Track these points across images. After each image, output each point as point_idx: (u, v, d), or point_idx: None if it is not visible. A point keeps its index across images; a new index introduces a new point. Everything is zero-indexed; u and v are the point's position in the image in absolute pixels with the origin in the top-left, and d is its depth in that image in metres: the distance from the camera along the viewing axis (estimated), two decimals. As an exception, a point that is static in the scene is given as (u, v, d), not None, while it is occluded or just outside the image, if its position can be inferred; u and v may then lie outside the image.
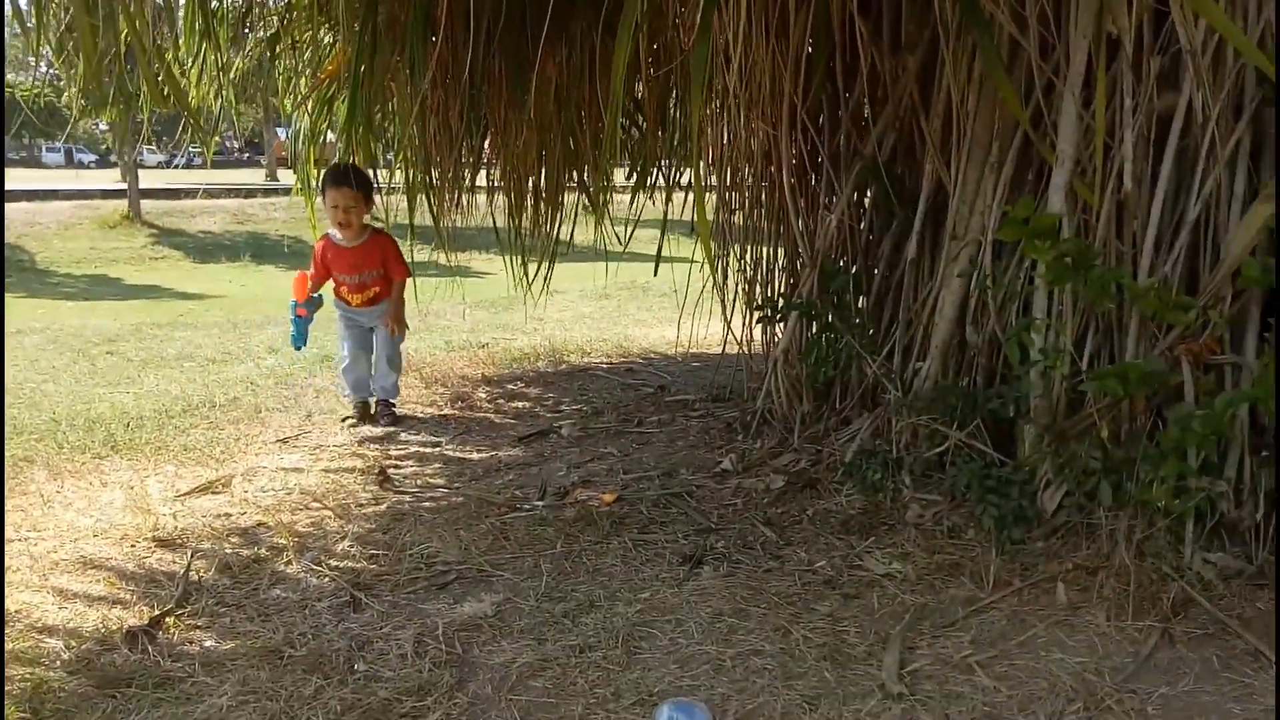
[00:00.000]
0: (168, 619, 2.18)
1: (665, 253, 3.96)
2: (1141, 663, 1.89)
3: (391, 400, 3.94)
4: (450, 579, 2.39)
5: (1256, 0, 2.04)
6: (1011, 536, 2.32)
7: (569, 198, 4.86)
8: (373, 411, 3.90)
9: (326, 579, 2.40)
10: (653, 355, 5.27)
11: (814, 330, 3.09)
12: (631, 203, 4.57)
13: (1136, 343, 2.27)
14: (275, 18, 4.65)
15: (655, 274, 4.19)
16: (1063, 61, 2.32)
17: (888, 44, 2.97)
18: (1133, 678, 1.85)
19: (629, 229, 4.35)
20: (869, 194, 3.10)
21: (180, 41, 4.06)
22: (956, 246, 2.63)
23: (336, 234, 3.85)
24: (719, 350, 3.95)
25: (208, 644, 2.08)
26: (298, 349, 4.00)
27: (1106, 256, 2.32)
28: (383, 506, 2.92)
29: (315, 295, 3.86)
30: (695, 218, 2.57)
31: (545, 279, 4.74)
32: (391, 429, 3.76)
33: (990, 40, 2.34)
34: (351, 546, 2.60)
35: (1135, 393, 2.10)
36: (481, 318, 6.87)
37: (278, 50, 4.85)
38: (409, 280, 3.95)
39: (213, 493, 3.08)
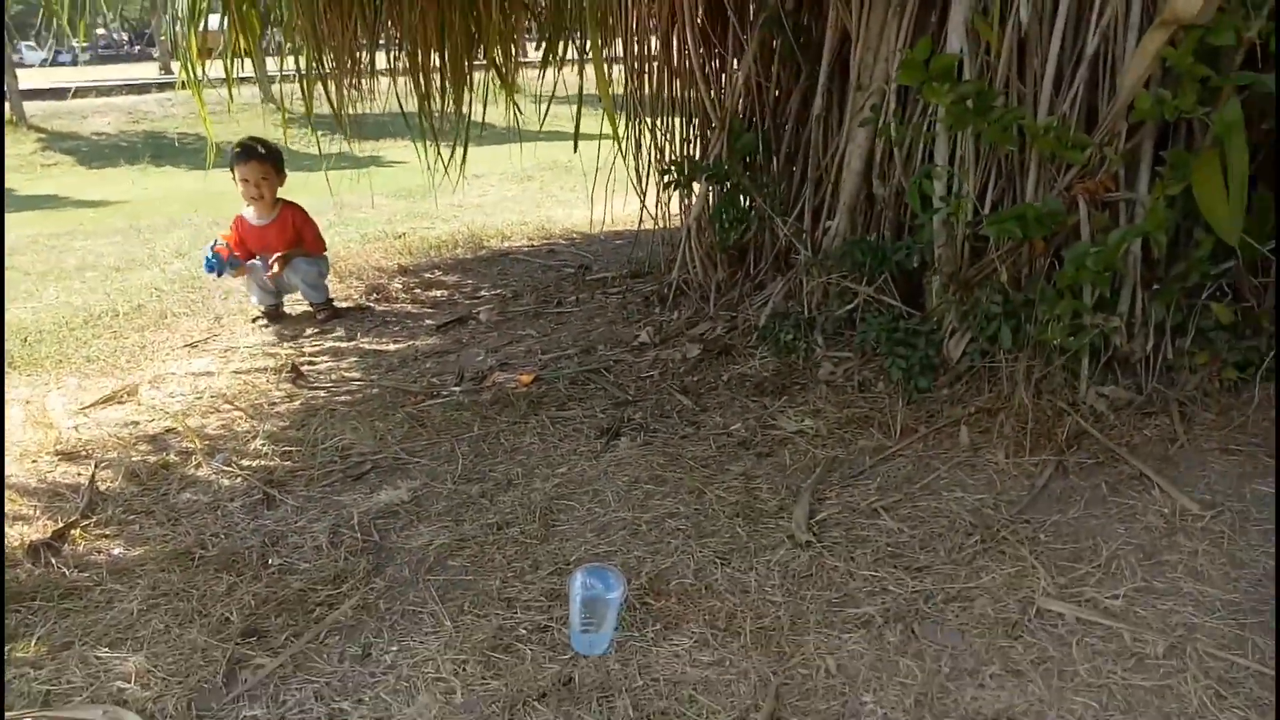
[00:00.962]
0: (73, 531, 2.13)
1: (584, 129, 3.81)
2: (1036, 494, 1.97)
3: (328, 299, 3.86)
4: (366, 469, 2.37)
5: None
6: (918, 386, 2.37)
7: (478, 76, 4.61)
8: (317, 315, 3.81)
9: (238, 479, 2.35)
10: (575, 235, 5.17)
11: (724, 193, 3.03)
12: (541, 77, 4.36)
13: (1036, 185, 2.27)
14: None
15: (575, 150, 4.05)
16: (960, -109, 2.21)
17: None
18: (1027, 508, 1.93)
19: (544, 106, 4.17)
20: (776, 48, 2.99)
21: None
22: (861, 97, 2.57)
23: (249, 212, 3.76)
24: (639, 225, 3.88)
25: (115, 552, 2.04)
26: (209, 271, 3.81)
27: (1008, 97, 2.28)
28: (296, 404, 2.86)
29: (235, 256, 3.72)
30: (597, 88, 2.46)
31: (460, 164, 4.56)
32: (329, 323, 3.69)
33: None
34: (264, 445, 2.55)
35: (1034, 234, 2.11)
36: (399, 207, 6.64)
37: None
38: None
39: (118, 402, 2.97)
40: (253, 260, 3.76)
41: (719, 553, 1.88)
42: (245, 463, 2.45)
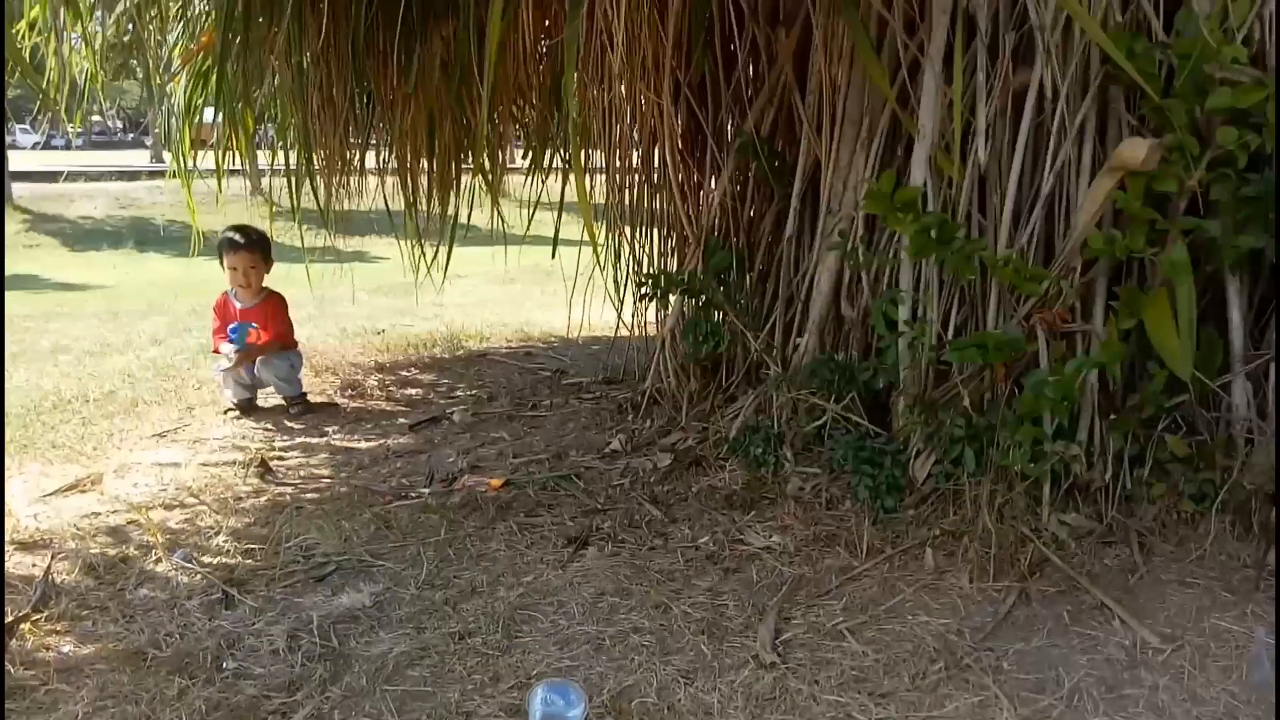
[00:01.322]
0: (22, 625, 2.07)
1: (565, 235, 3.92)
2: (1000, 621, 1.98)
3: (301, 393, 3.86)
4: (329, 571, 2.34)
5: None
6: (884, 505, 2.39)
7: (465, 179, 4.77)
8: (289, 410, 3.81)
9: (198, 576, 2.31)
10: (553, 339, 5.24)
11: (698, 308, 3.11)
12: (527, 183, 4.51)
13: (997, 313, 2.36)
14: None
15: (553, 257, 4.15)
16: (925, 39, 2.38)
17: (767, 19, 2.99)
18: (991, 636, 1.93)
19: (528, 211, 4.30)
20: (751, 171, 3.13)
21: (30, 8, 3.80)
22: (831, 221, 2.69)
23: (236, 294, 3.84)
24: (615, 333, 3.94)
25: (65, 649, 1.99)
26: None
27: (969, 229, 2.40)
28: (263, 499, 2.83)
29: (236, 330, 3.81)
30: (577, 199, 2.56)
31: (441, 263, 4.65)
32: (303, 419, 3.69)
33: (857, 16, 2.38)
34: (226, 542, 2.51)
35: (994, 361, 2.19)
36: (380, 304, 6.71)
37: (147, 20, 4.59)
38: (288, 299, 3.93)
39: (80, 491, 2.93)
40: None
41: (683, 671, 1.86)
42: (206, 559, 2.41)
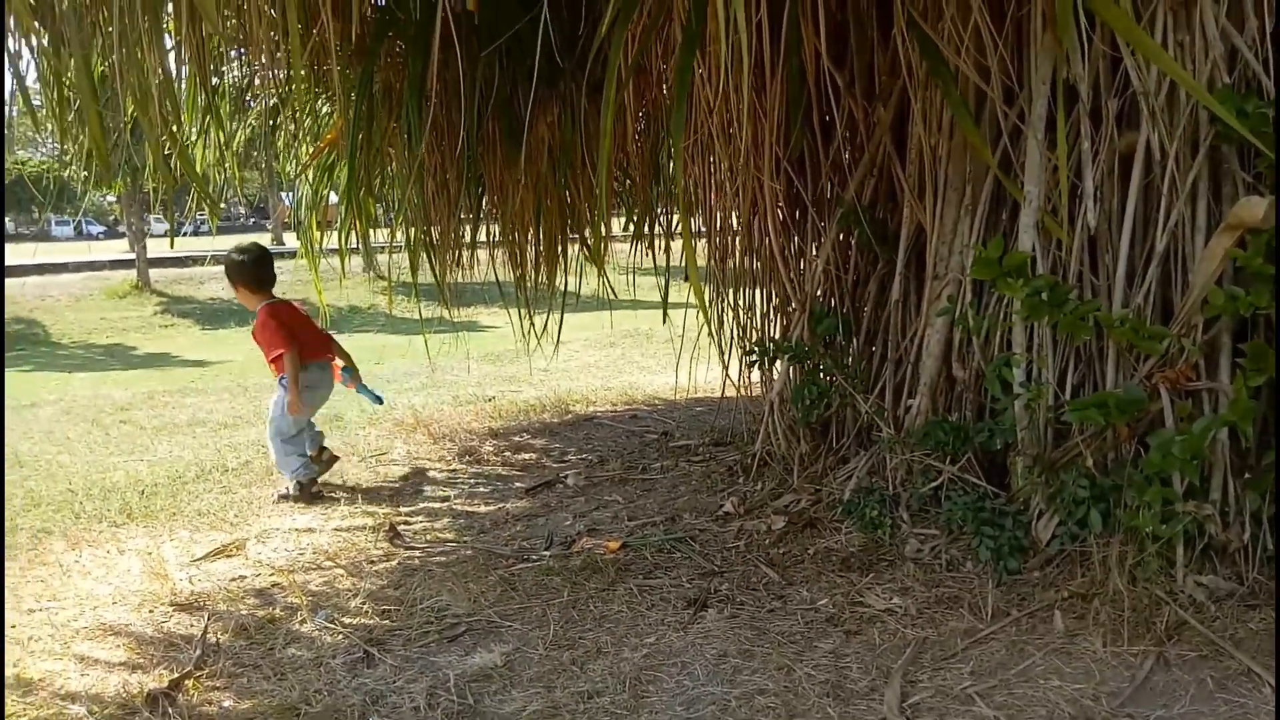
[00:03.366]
0: (187, 681, 2.23)
1: (669, 299, 4.05)
2: (1138, 687, 1.93)
3: (288, 478, 3.73)
4: (461, 631, 2.45)
5: (1204, 44, 2.14)
6: (1008, 567, 2.37)
7: (570, 249, 4.98)
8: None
9: (340, 636, 2.45)
10: (657, 401, 5.35)
11: (806, 372, 3.17)
12: (631, 251, 4.69)
13: (1116, 371, 2.34)
14: (275, 90, 4.83)
15: (664, 321, 4.25)
16: (1025, 107, 2.43)
17: (863, 93, 3.09)
18: (1129, 701, 1.89)
19: (630, 278, 4.47)
20: (853, 238, 3.20)
21: (183, 116, 4.22)
22: (938, 286, 2.72)
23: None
24: (721, 394, 4.02)
25: (226, 704, 2.14)
26: (379, 403, 4.10)
27: (1081, 290, 2.40)
28: (393, 562, 2.98)
29: (342, 368, 3.93)
30: (686, 266, 2.67)
31: (549, 331, 4.84)
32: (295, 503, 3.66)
33: (954, 90, 2.45)
34: (364, 603, 2.65)
35: (1116, 421, 2.17)
36: (489, 371, 6.97)
37: (278, 121, 5.03)
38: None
39: (227, 556, 3.14)
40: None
41: (811, 733, 1.87)
42: (347, 620, 2.55)
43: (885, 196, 3.16)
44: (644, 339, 8.18)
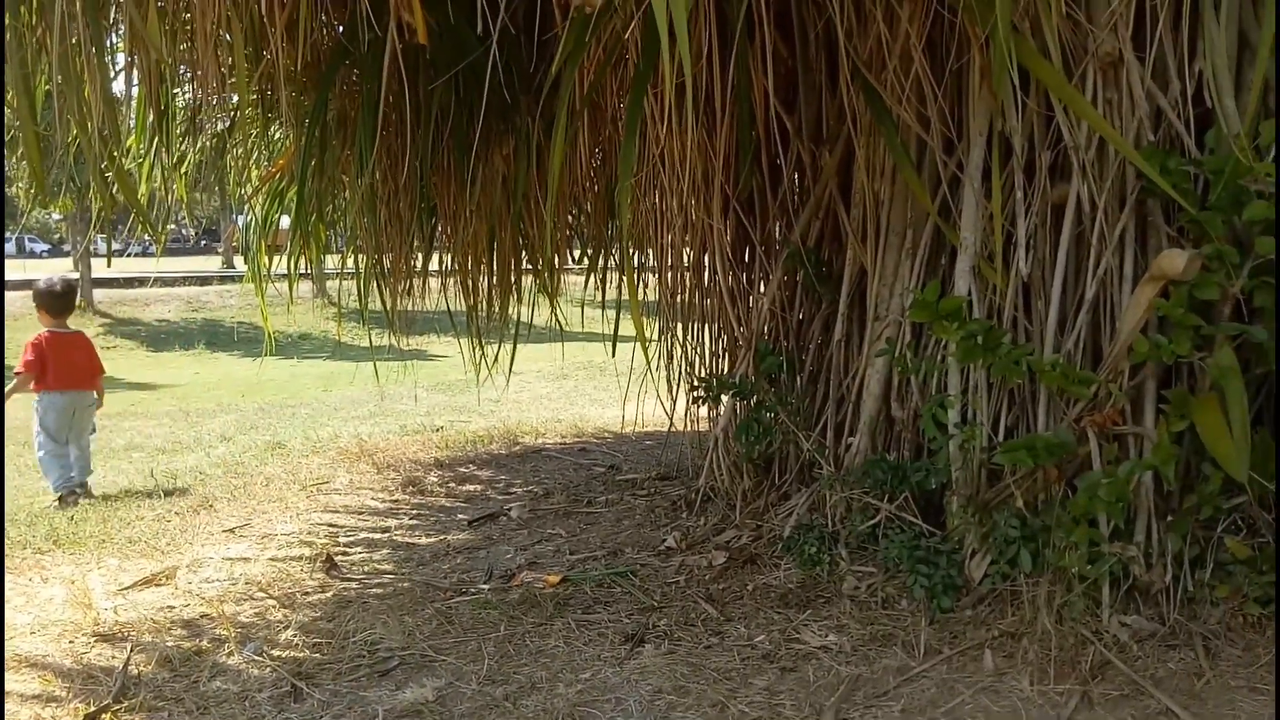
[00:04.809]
0: (104, 715, 2.16)
1: (621, 332, 4.06)
2: (1062, 725, 1.96)
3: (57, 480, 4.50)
4: (393, 665, 2.40)
5: (1131, 103, 2.24)
6: (941, 605, 2.40)
7: (524, 280, 4.99)
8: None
9: (268, 669, 2.39)
10: (607, 434, 5.35)
11: (750, 409, 3.20)
12: (586, 284, 4.71)
13: (1047, 415, 2.40)
14: (224, 114, 4.79)
15: (613, 355, 4.27)
16: (963, 157, 2.51)
17: (811, 138, 3.17)
18: (1054, 740, 1.91)
19: (583, 310, 4.48)
20: (799, 278, 3.25)
21: (130, 139, 4.16)
22: (879, 327, 2.78)
23: None
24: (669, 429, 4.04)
25: (143, 740, 2.07)
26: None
27: (1015, 334, 2.47)
28: (329, 594, 2.92)
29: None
30: (629, 300, 2.70)
31: (500, 361, 4.82)
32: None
33: (896, 137, 2.52)
34: (295, 636, 2.59)
35: (1044, 463, 2.22)
36: (439, 401, 6.92)
37: (228, 145, 4.98)
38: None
39: (156, 585, 3.05)
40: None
41: (742, 772, 1.87)
42: (276, 653, 2.49)
43: (830, 238, 3.22)
44: (596, 371, 8.19)
